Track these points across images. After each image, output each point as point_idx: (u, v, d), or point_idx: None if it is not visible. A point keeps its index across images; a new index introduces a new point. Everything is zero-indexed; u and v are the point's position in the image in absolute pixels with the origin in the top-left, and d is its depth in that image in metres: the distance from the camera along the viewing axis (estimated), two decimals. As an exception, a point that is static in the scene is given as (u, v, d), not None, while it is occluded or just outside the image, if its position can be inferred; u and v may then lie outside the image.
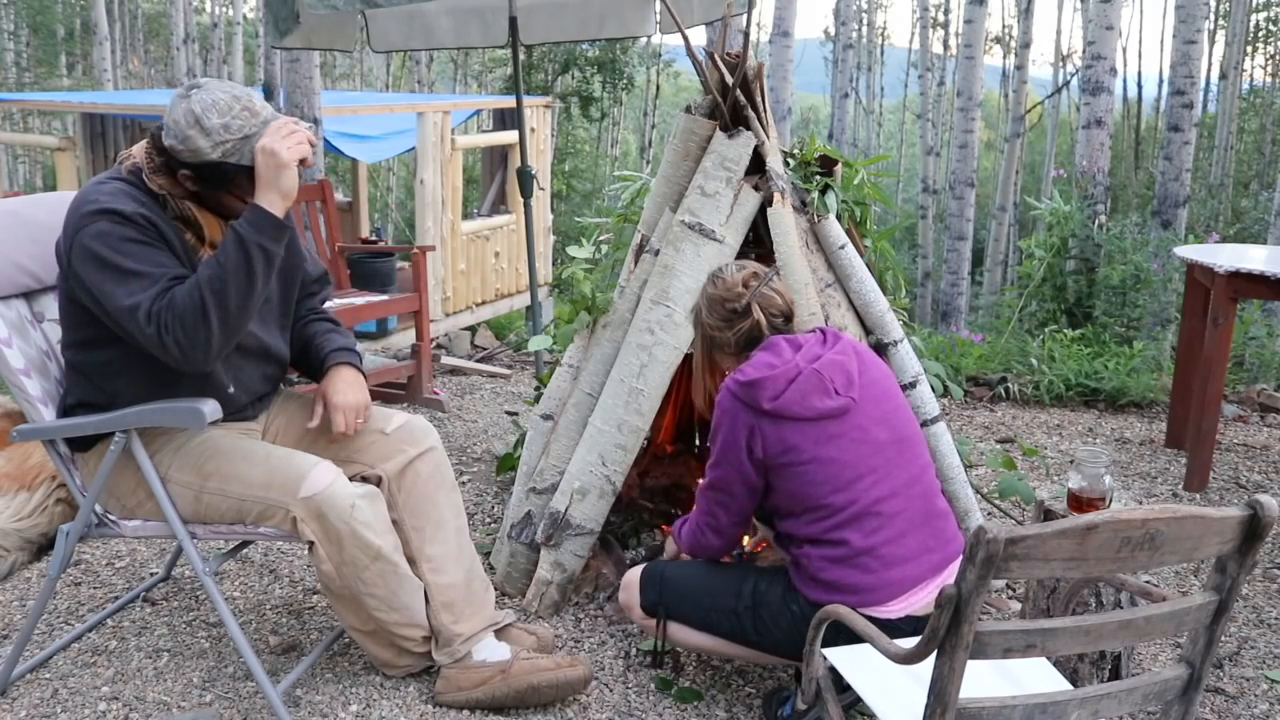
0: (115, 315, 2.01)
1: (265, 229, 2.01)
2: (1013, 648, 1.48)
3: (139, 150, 2.14)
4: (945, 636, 1.44)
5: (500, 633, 2.39)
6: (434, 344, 6.00)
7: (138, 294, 1.98)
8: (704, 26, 5.78)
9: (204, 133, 2.01)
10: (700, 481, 2.21)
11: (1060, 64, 24.40)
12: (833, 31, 20.28)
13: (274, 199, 2.03)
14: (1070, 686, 1.81)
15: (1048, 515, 2.37)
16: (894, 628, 1.99)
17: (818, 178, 2.88)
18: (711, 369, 2.28)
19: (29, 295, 2.33)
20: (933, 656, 1.48)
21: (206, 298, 1.97)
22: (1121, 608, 2.28)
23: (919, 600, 2.04)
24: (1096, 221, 7.89)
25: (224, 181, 2.08)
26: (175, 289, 2.00)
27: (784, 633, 2.10)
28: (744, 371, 2.07)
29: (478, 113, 9.49)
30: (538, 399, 3.12)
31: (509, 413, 4.69)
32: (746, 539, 2.64)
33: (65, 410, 2.23)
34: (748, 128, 2.74)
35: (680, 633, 2.26)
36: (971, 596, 1.40)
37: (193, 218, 2.12)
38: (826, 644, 1.90)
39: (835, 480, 2.01)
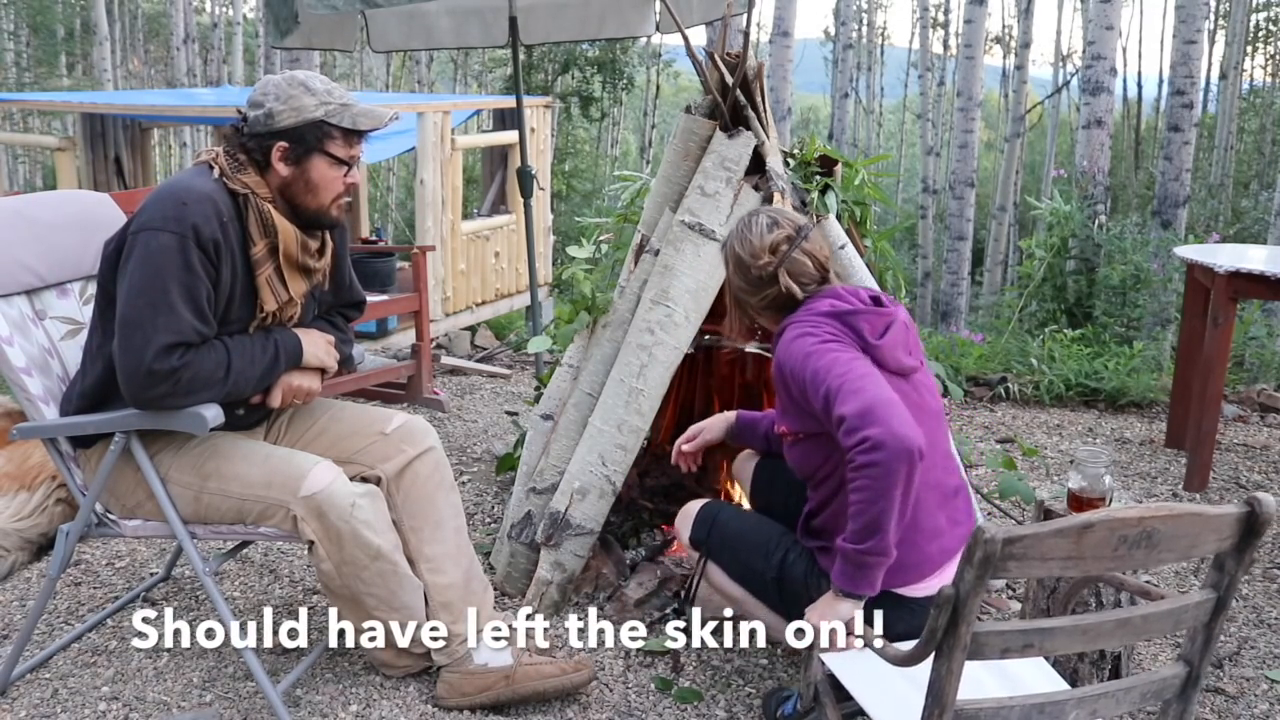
0: (127, 325, 2.01)
1: (295, 358, 2.24)
2: (1010, 648, 1.48)
3: (218, 156, 2.16)
4: (943, 637, 1.44)
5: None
6: (434, 344, 6.00)
7: (163, 330, 2.00)
8: (704, 26, 5.79)
9: (310, 92, 2.13)
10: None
11: (1060, 64, 24.39)
12: (833, 31, 20.29)
13: (314, 355, 2.27)
14: (1068, 686, 1.81)
15: (1048, 515, 2.37)
16: (923, 607, 1.86)
17: (818, 178, 2.88)
18: (740, 310, 2.17)
19: (31, 293, 2.32)
20: (930, 658, 1.48)
21: (228, 380, 2.10)
22: (1122, 607, 2.28)
23: (949, 574, 1.90)
24: (1096, 221, 7.89)
25: (320, 140, 2.14)
26: (203, 351, 2.05)
27: (800, 612, 2.00)
28: (835, 304, 1.96)
29: (478, 113, 9.48)
30: (538, 399, 3.12)
31: (509, 413, 4.69)
32: None
33: (75, 397, 2.22)
34: (748, 128, 2.74)
35: (718, 577, 2.23)
36: (969, 597, 1.40)
37: (271, 222, 2.13)
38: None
39: None
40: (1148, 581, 2.52)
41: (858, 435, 1.73)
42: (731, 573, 2.21)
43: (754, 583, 2.15)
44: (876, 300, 2.07)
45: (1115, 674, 2.35)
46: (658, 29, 5.14)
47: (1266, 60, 22.62)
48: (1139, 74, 23.13)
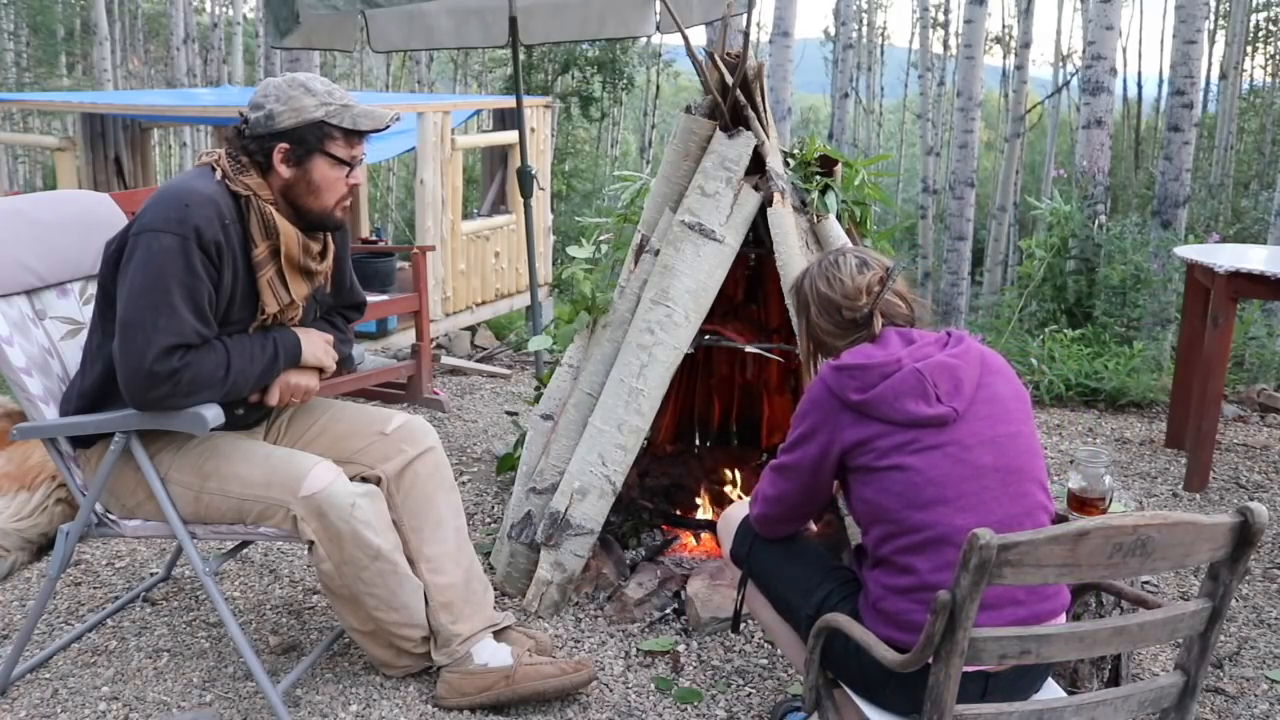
0: (128, 326, 2.02)
1: (294, 357, 2.24)
2: (1008, 654, 1.48)
3: (220, 158, 2.17)
4: (940, 643, 1.44)
5: (499, 634, 2.39)
6: (434, 344, 6.00)
7: (164, 331, 2.00)
8: (704, 26, 5.78)
9: (310, 93, 2.13)
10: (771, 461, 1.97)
11: (1060, 64, 24.41)
12: (833, 31, 20.29)
13: (313, 354, 2.27)
14: (1064, 694, 1.81)
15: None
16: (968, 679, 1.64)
17: (818, 178, 2.88)
18: (817, 361, 2.04)
19: (31, 293, 2.32)
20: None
21: (228, 380, 2.10)
22: (1123, 611, 2.28)
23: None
24: (1096, 221, 7.90)
25: (321, 140, 2.15)
26: (203, 352, 2.06)
27: (835, 657, 1.84)
28: (841, 356, 1.83)
29: (478, 113, 9.48)
30: (538, 399, 3.13)
31: (509, 413, 4.69)
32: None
33: (75, 397, 2.22)
34: (748, 128, 2.75)
35: (756, 600, 2.11)
36: (965, 602, 1.40)
37: (273, 224, 2.14)
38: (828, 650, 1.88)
39: (915, 495, 1.70)
40: (1145, 583, 2.52)
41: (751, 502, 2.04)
42: (768, 596, 2.06)
43: (789, 617, 2.01)
44: (949, 339, 1.88)
45: (1115, 674, 2.36)
46: (658, 29, 5.14)
47: (1266, 60, 22.64)
48: (1139, 74, 23.15)
